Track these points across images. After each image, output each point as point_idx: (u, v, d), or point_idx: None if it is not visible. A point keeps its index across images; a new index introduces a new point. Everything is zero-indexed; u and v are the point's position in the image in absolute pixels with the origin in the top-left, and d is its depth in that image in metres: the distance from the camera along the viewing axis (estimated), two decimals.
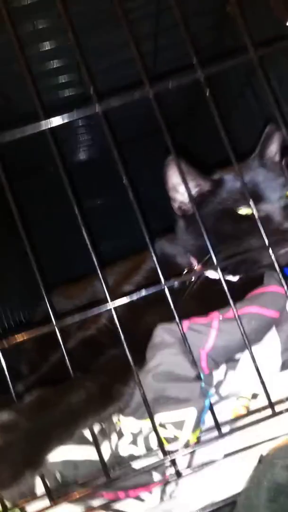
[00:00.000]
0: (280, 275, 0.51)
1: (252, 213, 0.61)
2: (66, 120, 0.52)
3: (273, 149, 0.73)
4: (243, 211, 0.67)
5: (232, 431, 0.49)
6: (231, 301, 0.50)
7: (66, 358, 0.51)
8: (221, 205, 0.68)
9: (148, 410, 0.49)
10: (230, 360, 0.56)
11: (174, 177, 0.69)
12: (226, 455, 0.50)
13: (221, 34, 1.06)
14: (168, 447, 0.49)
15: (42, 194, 1.49)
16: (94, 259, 0.52)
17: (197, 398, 0.49)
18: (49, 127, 0.51)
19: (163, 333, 0.54)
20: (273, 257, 0.50)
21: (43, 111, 0.52)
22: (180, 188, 0.71)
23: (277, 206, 0.65)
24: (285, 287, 0.52)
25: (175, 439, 0.49)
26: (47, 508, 0.48)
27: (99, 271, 0.52)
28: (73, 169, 1.59)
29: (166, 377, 0.51)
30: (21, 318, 1.34)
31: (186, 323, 0.56)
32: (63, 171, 0.54)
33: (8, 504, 0.49)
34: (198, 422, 0.49)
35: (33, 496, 0.50)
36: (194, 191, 0.70)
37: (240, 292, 0.61)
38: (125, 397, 0.57)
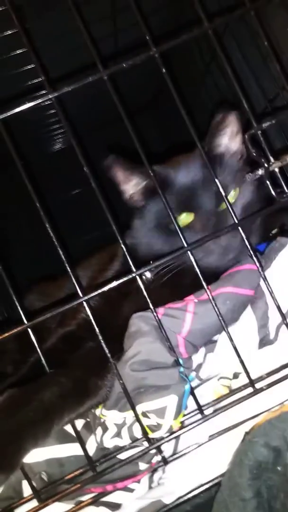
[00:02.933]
0: (251, 252, 0.50)
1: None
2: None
3: (223, 140, 0.68)
4: (181, 220, 0.65)
5: (215, 412, 0.49)
6: (204, 284, 0.50)
7: (41, 356, 0.50)
8: (158, 214, 0.67)
9: (130, 401, 0.48)
10: (209, 343, 0.56)
11: (118, 175, 0.68)
12: (210, 437, 0.50)
13: (181, 8, 1.02)
14: (152, 435, 0.49)
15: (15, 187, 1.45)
16: (61, 254, 0.51)
17: (176, 383, 0.49)
18: (55, 95, 0.50)
19: (138, 321, 0.53)
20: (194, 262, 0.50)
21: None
22: (127, 184, 0.69)
23: (209, 216, 0.64)
24: (257, 264, 0.51)
25: (159, 426, 0.48)
26: (36, 509, 0.48)
27: (67, 266, 0.50)
28: (50, 159, 1.55)
29: (145, 365, 0.51)
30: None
31: (161, 310, 0.55)
32: (20, 164, 0.51)
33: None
34: (180, 407, 0.48)
35: (20, 499, 0.49)
36: (139, 187, 0.69)
37: (212, 277, 0.60)
38: (103, 390, 0.56)
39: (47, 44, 0.81)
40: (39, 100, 0.51)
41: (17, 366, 0.75)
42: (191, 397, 0.50)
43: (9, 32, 0.79)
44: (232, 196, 0.66)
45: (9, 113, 0.49)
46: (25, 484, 0.51)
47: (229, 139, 0.69)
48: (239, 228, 0.50)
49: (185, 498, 0.49)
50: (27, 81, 0.99)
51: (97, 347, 0.49)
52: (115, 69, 0.53)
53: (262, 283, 0.53)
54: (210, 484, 0.49)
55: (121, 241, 0.51)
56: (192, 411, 0.50)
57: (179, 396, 0.48)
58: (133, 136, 0.52)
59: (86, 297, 0.49)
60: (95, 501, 0.49)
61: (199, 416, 0.49)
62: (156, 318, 0.50)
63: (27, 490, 0.50)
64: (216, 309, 0.49)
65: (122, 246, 0.51)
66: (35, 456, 0.50)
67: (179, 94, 0.54)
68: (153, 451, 0.49)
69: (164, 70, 0.53)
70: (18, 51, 0.86)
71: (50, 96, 0.51)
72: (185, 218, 0.65)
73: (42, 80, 0.51)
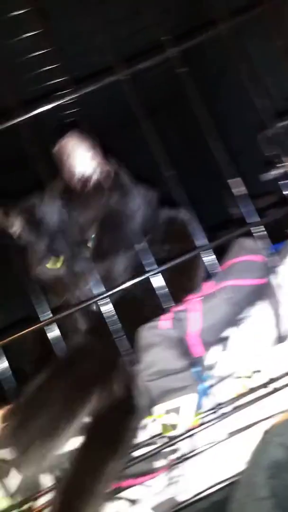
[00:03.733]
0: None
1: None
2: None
3: (74, 168, 0.62)
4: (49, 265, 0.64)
5: (232, 411, 0.49)
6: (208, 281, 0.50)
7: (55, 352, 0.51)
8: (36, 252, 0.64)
9: (148, 406, 0.49)
10: (222, 340, 0.56)
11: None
12: (227, 436, 0.50)
13: (200, 8, 1.02)
14: (169, 433, 0.50)
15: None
16: None
17: (192, 384, 0.49)
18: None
19: (147, 333, 0.54)
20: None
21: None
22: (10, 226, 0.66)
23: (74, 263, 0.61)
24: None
25: (176, 425, 0.49)
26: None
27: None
28: None
29: (160, 375, 0.51)
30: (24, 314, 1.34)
31: (169, 315, 0.55)
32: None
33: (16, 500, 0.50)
34: (196, 406, 0.49)
35: (39, 491, 0.51)
36: (17, 225, 0.66)
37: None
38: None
39: (67, 44, 0.82)
40: (66, 99, 0.51)
41: (38, 364, 0.76)
42: (208, 396, 0.50)
43: (31, 33, 0.80)
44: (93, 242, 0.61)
45: (33, 113, 0.50)
46: (44, 477, 0.52)
47: (82, 163, 0.63)
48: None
49: (201, 495, 0.50)
50: (45, 82, 1.00)
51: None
52: (131, 71, 0.54)
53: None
54: (227, 482, 0.49)
55: None
56: (209, 410, 0.50)
57: (195, 395, 0.48)
58: (149, 138, 0.53)
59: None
60: (112, 496, 0.50)
61: (216, 414, 0.49)
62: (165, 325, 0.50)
63: (46, 483, 0.52)
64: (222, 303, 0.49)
65: None
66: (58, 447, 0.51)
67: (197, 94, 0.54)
68: (170, 448, 0.50)
69: (182, 69, 0.54)
70: (37, 53, 0.87)
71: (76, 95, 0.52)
72: (52, 266, 0.63)
73: (66, 79, 0.53)
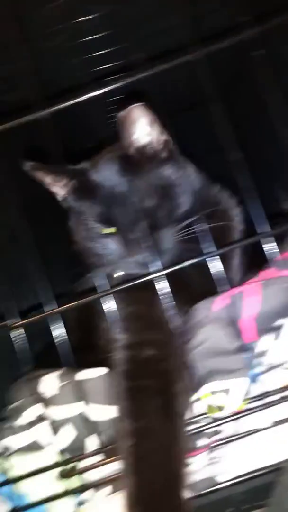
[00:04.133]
0: None
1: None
2: None
3: (136, 135, 0.63)
4: (104, 231, 0.63)
5: (279, 400, 0.49)
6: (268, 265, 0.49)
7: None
8: (87, 219, 0.64)
9: (196, 382, 0.50)
10: (275, 329, 0.55)
11: (46, 178, 0.65)
12: (272, 424, 0.49)
13: None
14: (214, 415, 0.50)
15: None
16: None
17: (243, 368, 0.49)
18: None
19: (200, 310, 0.54)
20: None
21: None
22: (55, 186, 0.67)
23: (129, 231, 0.61)
24: None
25: (223, 407, 0.49)
26: (97, 465, 0.51)
27: None
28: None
29: (212, 353, 0.51)
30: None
31: (226, 295, 0.55)
32: None
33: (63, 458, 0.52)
34: (245, 391, 0.49)
35: (83, 453, 0.53)
36: (68, 188, 0.66)
37: None
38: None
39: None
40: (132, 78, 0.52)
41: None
42: (256, 382, 0.50)
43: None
44: (150, 209, 0.61)
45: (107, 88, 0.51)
46: (88, 440, 0.54)
47: (142, 132, 0.64)
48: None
49: (240, 479, 0.50)
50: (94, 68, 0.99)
51: None
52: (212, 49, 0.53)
53: None
54: (268, 469, 0.49)
55: None
56: (257, 396, 0.50)
57: (247, 379, 0.48)
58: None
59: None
60: None
61: (263, 401, 0.49)
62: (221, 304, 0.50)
63: (90, 446, 0.54)
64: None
65: None
66: (107, 412, 0.53)
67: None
68: (214, 429, 0.50)
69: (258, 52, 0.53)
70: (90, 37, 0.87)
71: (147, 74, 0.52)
72: (108, 230, 0.63)
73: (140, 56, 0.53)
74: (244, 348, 0.52)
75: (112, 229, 0.63)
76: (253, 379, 0.51)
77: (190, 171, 0.69)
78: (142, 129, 0.64)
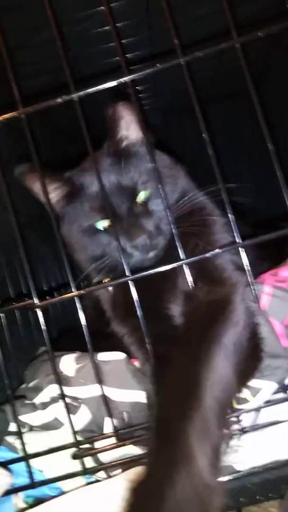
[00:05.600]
0: None
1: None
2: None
3: (122, 132, 0.66)
4: (100, 224, 0.64)
5: None
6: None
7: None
8: (81, 217, 0.65)
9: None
10: None
11: (36, 184, 0.63)
12: None
13: None
14: (237, 406, 0.50)
15: None
16: None
17: (281, 373, 0.50)
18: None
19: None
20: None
21: None
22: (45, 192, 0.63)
23: (122, 220, 0.61)
24: None
25: (246, 401, 0.50)
26: (113, 447, 0.51)
27: None
28: None
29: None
30: None
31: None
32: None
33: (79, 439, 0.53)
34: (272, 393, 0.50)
35: (101, 434, 0.53)
36: (59, 193, 0.66)
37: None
38: None
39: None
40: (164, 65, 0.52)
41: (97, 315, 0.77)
42: None
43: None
44: (142, 197, 0.63)
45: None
46: (107, 421, 0.54)
47: (126, 130, 0.66)
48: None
49: (256, 470, 0.50)
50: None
51: None
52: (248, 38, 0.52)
53: None
54: (285, 463, 0.49)
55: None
56: (278, 388, 0.50)
57: (275, 385, 0.49)
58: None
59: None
60: None
61: (283, 395, 0.49)
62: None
63: (107, 427, 0.54)
64: None
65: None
66: (122, 395, 0.54)
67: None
68: (234, 418, 0.51)
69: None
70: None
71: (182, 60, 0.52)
72: (102, 224, 0.64)
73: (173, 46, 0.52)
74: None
75: (107, 222, 0.64)
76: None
77: (180, 173, 0.70)
78: (128, 124, 0.67)
